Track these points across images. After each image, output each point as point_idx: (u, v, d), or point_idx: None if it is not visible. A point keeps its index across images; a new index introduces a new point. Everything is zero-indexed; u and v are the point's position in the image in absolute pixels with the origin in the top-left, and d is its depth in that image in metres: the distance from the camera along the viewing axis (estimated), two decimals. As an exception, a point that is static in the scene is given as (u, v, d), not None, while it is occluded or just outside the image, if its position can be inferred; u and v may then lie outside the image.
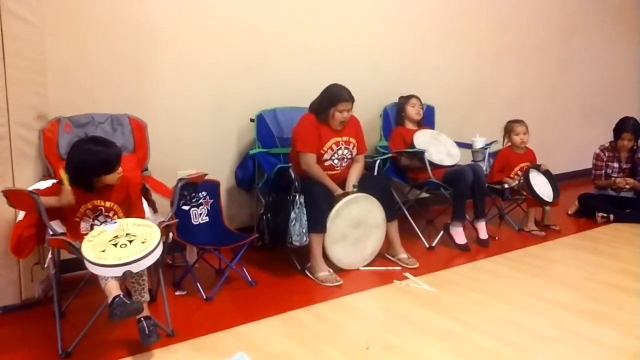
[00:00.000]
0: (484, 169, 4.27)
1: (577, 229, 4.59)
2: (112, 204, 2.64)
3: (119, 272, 2.29)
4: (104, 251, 2.31)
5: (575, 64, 6.34)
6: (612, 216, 4.73)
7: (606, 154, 4.90)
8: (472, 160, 4.49)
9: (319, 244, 3.34)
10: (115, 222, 2.50)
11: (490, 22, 5.31)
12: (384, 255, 3.70)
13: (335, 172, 3.55)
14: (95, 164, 2.52)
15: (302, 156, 3.46)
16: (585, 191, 5.05)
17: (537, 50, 5.84)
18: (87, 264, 2.29)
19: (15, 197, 2.48)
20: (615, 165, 4.87)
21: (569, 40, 6.20)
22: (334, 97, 3.46)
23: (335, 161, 3.53)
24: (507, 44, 5.52)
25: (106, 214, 2.63)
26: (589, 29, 6.38)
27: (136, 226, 2.48)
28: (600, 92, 6.74)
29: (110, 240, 2.37)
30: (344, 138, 3.56)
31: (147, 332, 2.40)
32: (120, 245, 2.36)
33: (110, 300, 2.30)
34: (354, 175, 3.59)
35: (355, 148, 3.61)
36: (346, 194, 3.42)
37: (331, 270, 3.36)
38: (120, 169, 2.60)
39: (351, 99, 3.48)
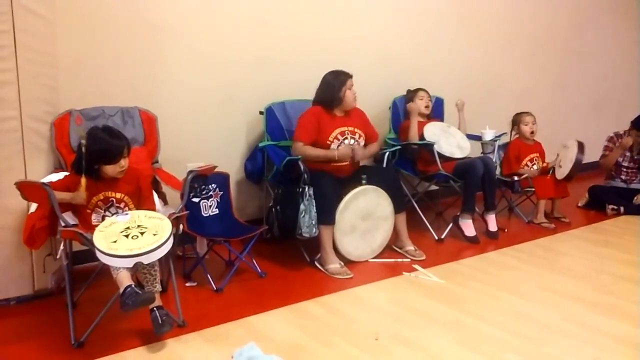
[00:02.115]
0: (494, 160, 4.26)
1: (587, 221, 4.57)
2: (123, 195, 2.65)
3: (130, 263, 2.31)
4: (115, 242, 2.33)
5: (585, 56, 6.30)
6: (622, 208, 4.72)
7: (619, 140, 4.87)
8: (482, 152, 4.48)
9: (328, 236, 3.35)
10: (127, 214, 2.52)
11: (499, 13, 5.28)
12: (391, 247, 3.71)
13: (345, 163, 3.55)
14: (94, 152, 2.53)
15: (297, 145, 3.49)
16: (595, 183, 5.03)
17: (546, 42, 5.80)
18: (99, 254, 2.32)
19: (28, 190, 2.50)
20: (627, 154, 4.84)
21: (579, 32, 6.15)
22: (342, 78, 3.54)
23: (343, 152, 3.54)
24: (516, 36, 5.49)
25: (117, 205, 2.65)
26: (599, 20, 6.33)
27: (148, 218, 2.50)
28: (610, 85, 6.69)
29: (122, 232, 2.39)
30: (350, 128, 3.57)
31: (160, 321, 2.43)
32: (132, 236, 2.38)
33: (122, 290, 2.32)
34: (370, 149, 3.69)
35: (361, 138, 3.62)
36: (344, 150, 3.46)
37: (342, 263, 3.37)
38: (123, 163, 2.58)
39: (352, 76, 3.60)
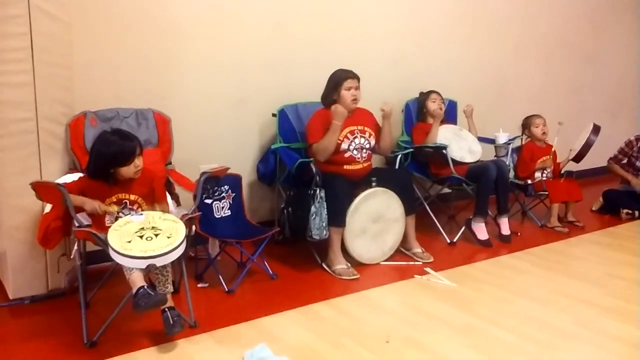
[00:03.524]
0: (507, 164, 4.24)
1: (601, 226, 4.53)
2: (137, 197, 2.68)
3: (143, 264, 2.33)
4: (130, 242, 2.35)
5: (599, 59, 6.25)
6: (637, 213, 4.67)
7: (638, 144, 4.83)
8: (495, 156, 4.46)
9: (338, 238, 3.35)
10: (142, 214, 2.53)
11: (513, 15, 5.26)
12: (399, 249, 3.69)
13: (358, 166, 3.55)
14: (108, 155, 2.56)
15: (313, 147, 3.49)
16: (609, 187, 4.98)
17: (561, 44, 5.77)
18: (112, 253, 2.34)
19: (43, 190, 2.53)
20: None
21: (593, 35, 6.11)
22: (338, 77, 3.53)
23: (355, 152, 3.53)
24: (530, 38, 5.46)
25: (130, 207, 2.67)
26: (613, 23, 6.28)
27: (162, 220, 2.51)
28: (625, 88, 6.63)
29: (137, 232, 2.41)
30: (359, 127, 3.56)
31: (171, 322, 2.44)
32: (146, 237, 2.39)
33: (134, 291, 2.34)
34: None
35: (372, 137, 3.61)
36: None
37: (349, 264, 3.37)
38: (137, 163, 2.61)
39: (356, 77, 3.53)
